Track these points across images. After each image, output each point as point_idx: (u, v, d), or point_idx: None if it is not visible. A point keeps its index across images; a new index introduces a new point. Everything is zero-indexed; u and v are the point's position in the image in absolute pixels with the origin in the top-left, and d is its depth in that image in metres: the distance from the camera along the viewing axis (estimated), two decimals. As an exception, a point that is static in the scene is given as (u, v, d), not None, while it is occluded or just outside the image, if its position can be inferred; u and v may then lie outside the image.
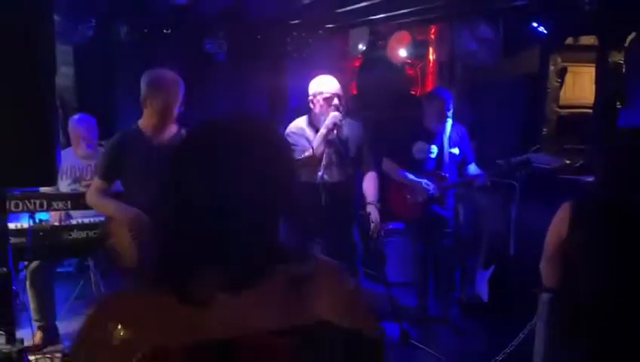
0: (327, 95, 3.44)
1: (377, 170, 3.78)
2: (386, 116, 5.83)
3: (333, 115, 3.40)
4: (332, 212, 3.52)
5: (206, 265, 0.93)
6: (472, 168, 4.15)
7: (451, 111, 4.03)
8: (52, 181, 2.26)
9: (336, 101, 3.44)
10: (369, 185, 3.63)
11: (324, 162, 3.46)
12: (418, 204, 4.12)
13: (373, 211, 3.54)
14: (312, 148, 3.44)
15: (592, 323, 2.13)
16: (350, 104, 5.92)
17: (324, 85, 3.49)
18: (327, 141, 3.44)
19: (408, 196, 4.13)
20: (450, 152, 4.10)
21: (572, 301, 2.21)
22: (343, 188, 3.55)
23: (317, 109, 3.50)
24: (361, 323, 1.01)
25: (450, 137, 4.09)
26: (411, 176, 4.08)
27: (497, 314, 4.17)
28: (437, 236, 4.32)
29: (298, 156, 3.44)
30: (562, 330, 2.27)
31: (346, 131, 3.52)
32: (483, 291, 4.34)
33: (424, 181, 4.04)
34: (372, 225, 3.50)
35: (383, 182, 4.26)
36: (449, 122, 4.04)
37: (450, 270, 4.46)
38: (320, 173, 3.46)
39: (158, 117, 2.89)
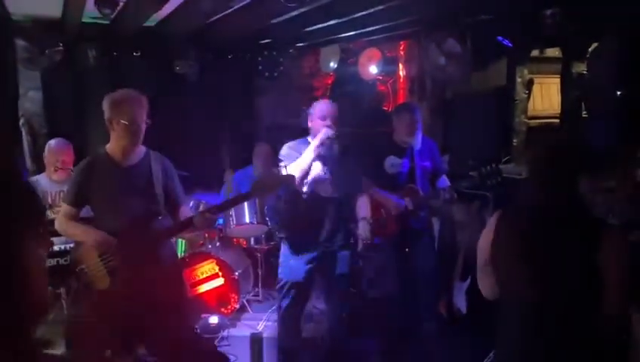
0: (324, 121, 3.54)
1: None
2: (359, 132, 5.87)
3: (326, 130, 3.49)
4: (322, 227, 3.58)
5: None
6: (441, 180, 4.21)
7: (420, 122, 4.09)
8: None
9: (328, 121, 3.53)
10: (361, 202, 3.73)
11: (315, 176, 3.54)
12: (393, 219, 4.13)
13: (362, 226, 3.61)
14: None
15: (524, 328, 2.11)
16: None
17: (322, 110, 3.59)
18: (318, 155, 3.52)
19: (382, 211, 4.15)
20: (422, 166, 4.16)
21: (504, 308, 2.20)
22: (336, 205, 3.61)
23: (314, 130, 3.60)
24: None
25: (420, 150, 4.15)
26: (384, 194, 4.12)
27: (476, 325, 4.18)
28: (414, 250, 4.34)
29: (289, 163, 3.50)
30: (502, 339, 2.25)
31: (340, 150, 3.60)
32: (461, 303, 4.35)
33: (394, 197, 4.09)
34: (360, 242, 3.56)
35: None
36: (419, 133, 4.10)
37: (428, 283, 4.47)
38: (311, 187, 3.52)
39: (126, 136, 2.85)
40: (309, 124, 3.66)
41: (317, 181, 3.54)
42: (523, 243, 2.11)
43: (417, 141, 4.09)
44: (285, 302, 3.74)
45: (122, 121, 2.82)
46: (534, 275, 2.07)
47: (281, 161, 3.56)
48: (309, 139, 3.67)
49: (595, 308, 1.98)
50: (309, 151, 3.51)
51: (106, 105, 2.85)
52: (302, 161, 3.50)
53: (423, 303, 4.46)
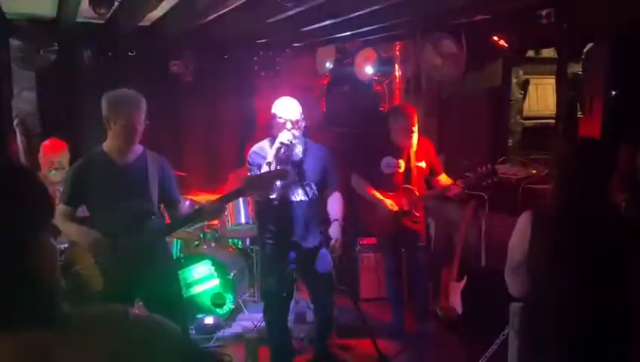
0: (282, 120, 3.42)
1: (343, 190, 3.73)
2: (355, 132, 5.88)
3: (282, 135, 3.37)
4: (298, 231, 3.53)
5: None
6: (443, 178, 4.21)
7: (416, 125, 4.08)
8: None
9: (289, 125, 3.40)
10: (333, 204, 3.63)
11: (285, 181, 3.41)
12: (389, 219, 4.14)
13: (333, 228, 3.52)
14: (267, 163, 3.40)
15: (561, 333, 2.15)
16: (319, 121, 5.95)
17: (281, 109, 3.46)
18: (279, 159, 3.39)
19: (380, 211, 4.16)
20: (418, 166, 4.15)
21: (540, 311, 2.23)
22: (309, 208, 3.51)
23: (274, 130, 3.47)
24: None
25: (416, 151, 4.15)
26: (377, 195, 4.12)
27: (472, 325, 4.19)
28: (409, 250, 4.35)
29: (256, 172, 3.41)
30: (533, 341, 2.29)
31: (304, 153, 3.47)
32: (457, 303, 4.36)
33: (389, 202, 4.09)
34: (331, 241, 3.48)
35: (355, 197, 4.28)
36: (415, 136, 4.10)
37: (423, 283, 4.47)
38: (281, 192, 3.46)
39: (123, 136, 2.85)
40: (273, 123, 3.51)
41: (285, 185, 3.44)
42: (561, 244, 2.14)
43: (413, 143, 4.11)
44: (269, 305, 3.70)
45: (119, 122, 2.81)
46: (573, 275, 2.10)
47: (250, 167, 3.50)
48: (271, 138, 3.54)
49: (625, 305, 2.04)
50: (270, 158, 3.39)
51: (104, 104, 2.84)
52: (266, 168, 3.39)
53: (418, 303, 4.46)
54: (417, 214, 4.21)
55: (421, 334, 4.37)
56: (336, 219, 3.56)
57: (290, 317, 4.03)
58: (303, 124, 3.49)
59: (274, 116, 3.48)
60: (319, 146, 3.66)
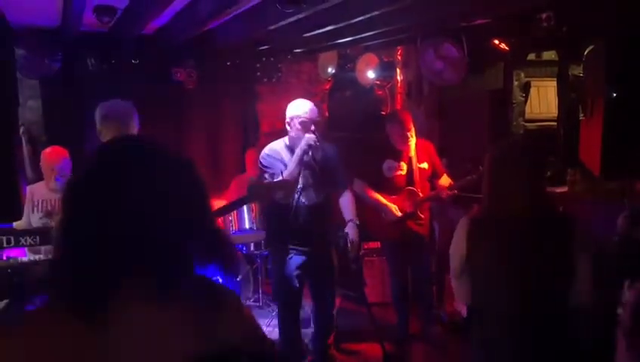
0: (304, 119, 3.45)
1: (352, 190, 3.82)
2: (357, 136, 5.89)
3: (308, 137, 3.41)
4: (310, 234, 3.56)
5: (120, 276, 0.92)
6: (444, 180, 4.21)
7: (412, 129, 4.07)
8: (17, 216, 2.23)
9: (312, 127, 3.45)
10: (346, 204, 3.65)
11: (300, 185, 3.48)
12: (393, 223, 4.15)
13: (351, 230, 3.52)
14: (282, 174, 3.45)
15: (506, 336, 2.13)
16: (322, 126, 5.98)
17: (301, 109, 3.50)
18: (304, 163, 3.45)
19: (384, 215, 4.16)
20: (420, 167, 4.16)
21: (484, 315, 2.20)
22: (320, 209, 3.56)
23: (293, 132, 3.51)
24: (261, 345, 1.09)
25: (417, 153, 4.16)
26: (381, 199, 4.13)
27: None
28: (414, 253, 4.34)
29: (271, 179, 3.46)
30: (481, 344, 2.26)
31: (321, 154, 3.54)
32: (461, 306, 4.35)
33: (394, 207, 4.09)
34: (350, 244, 3.48)
35: (358, 202, 4.29)
36: (412, 140, 4.10)
37: (428, 286, 4.47)
38: (297, 196, 3.48)
39: None
40: (288, 127, 3.56)
41: (301, 189, 3.49)
42: (500, 250, 2.11)
43: (410, 146, 4.10)
44: (280, 310, 3.75)
45: (108, 133, 2.84)
46: (514, 279, 2.08)
47: (265, 170, 3.52)
48: (286, 140, 3.60)
49: (569, 301, 2.03)
50: (294, 162, 3.43)
51: (97, 116, 2.88)
52: (289, 173, 3.43)
53: (423, 307, 4.46)
54: (422, 216, 4.21)
55: (426, 338, 4.37)
56: (351, 220, 3.58)
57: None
58: (321, 125, 3.57)
59: (293, 118, 3.50)
60: (328, 145, 3.69)
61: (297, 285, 3.63)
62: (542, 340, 2.06)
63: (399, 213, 4.10)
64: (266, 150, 3.62)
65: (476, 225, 2.19)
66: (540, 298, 2.06)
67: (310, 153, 3.44)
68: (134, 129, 2.89)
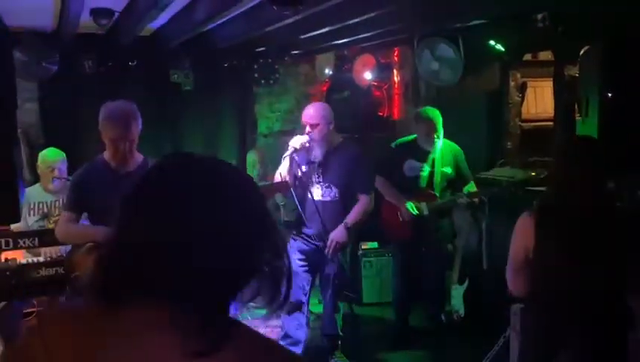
0: (303, 122, 3.69)
1: (369, 193, 3.76)
2: (355, 137, 5.91)
3: (294, 139, 3.59)
4: (314, 228, 3.64)
5: (152, 292, 0.85)
6: (470, 187, 4.16)
7: (439, 131, 4.04)
8: (15, 219, 2.24)
9: (307, 128, 3.61)
10: (353, 207, 3.69)
11: (309, 180, 3.63)
12: (409, 223, 4.14)
13: (336, 231, 3.58)
14: (281, 175, 3.57)
15: (570, 330, 2.18)
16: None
17: (304, 112, 3.73)
18: (309, 162, 3.64)
19: (399, 214, 4.15)
20: (442, 171, 4.11)
21: (549, 309, 2.25)
22: (326, 207, 3.61)
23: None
24: None
25: (442, 156, 4.11)
26: (399, 197, 4.11)
27: (474, 327, 4.21)
28: (428, 253, 4.29)
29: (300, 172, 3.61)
30: (541, 339, 2.30)
31: (326, 156, 3.64)
32: (459, 306, 4.37)
33: (410, 205, 4.06)
34: (329, 243, 3.53)
35: (377, 200, 4.27)
36: (439, 141, 4.07)
37: (441, 287, 4.46)
38: (294, 193, 3.56)
39: (113, 148, 2.89)
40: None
41: (304, 185, 3.60)
42: (569, 245, 2.18)
43: (436, 147, 4.07)
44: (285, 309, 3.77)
45: (110, 134, 2.86)
46: (582, 272, 2.15)
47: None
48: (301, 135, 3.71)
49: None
50: (283, 163, 3.58)
51: (100, 117, 2.89)
52: (280, 172, 3.58)
53: (434, 306, 4.47)
54: (438, 219, 4.18)
55: (425, 335, 4.39)
56: (345, 222, 3.60)
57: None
58: (324, 128, 3.60)
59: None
60: (354, 148, 3.79)
61: (302, 281, 3.68)
62: (593, 333, 2.15)
63: (415, 212, 4.08)
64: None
65: (543, 220, 2.24)
66: (596, 290, 2.14)
67: (307, 153, 3.58)
68: (137, 130, 2.90)
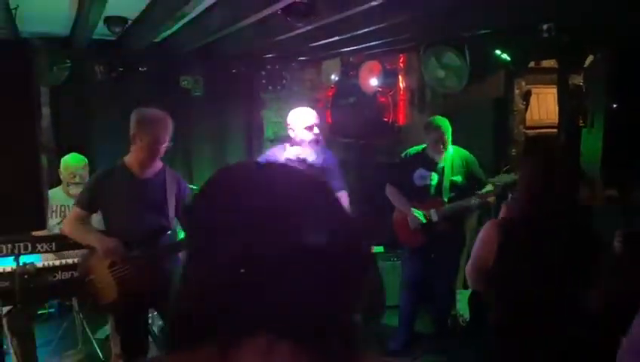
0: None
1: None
2: (360, 143, 5.98)
3: (289, 151, 3.62)
4: None
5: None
6: (486, 188, 4.11)
7: (447, 140, 4.05)
8: (41, 225, 2.31)
9: (310, 134, 3.61)
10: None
11: None
12: (415, 231, 4.16)
13: None
14: None
15: (522, 324, 2.24)
16: (325, 132, 6.06)
17: (304, 118, 3.66)
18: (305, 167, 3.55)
19: (410, 222, 4.17)
20: (452, 180, 4.10)
21: (504, 305, 2.32)
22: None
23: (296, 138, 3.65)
24: None
25: (452, 165, 4.11)
26: (407, 206, 4.14)
27: (479, 331, 4.25)
28: (438, 260, 4.27)
29: None
30: (496, 330, 2.38)
31: (314, 158, 3.64)
32: (464, 310, 4.43)
33: (419, 214, 4.09)
34: None
35: (388, 208, 4.31)
36: (449, 150, 4.08)
37: (450, 294, 4.50)
38: None
39: (146, 152, 2.95)
40: (292, 134, 3.66)
41: None
42: (532, 253, 2.20)
43: (446, 156, 4.07)
44: None
45: (145, 138, 2.92)
46: (543, 282, 2.18)
47: None
48: (287, 146, 3.70)
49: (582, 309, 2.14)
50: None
51: (133, 120, 2.95)
52: None
53: (442, 312, 4.51)
54: (446, 228, 4.15)
55: (429, 339, 4.43)
56: None
57: None
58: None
59: (297, 126, 3.65)
60: (328, 151, 3.80)
61: None
62: (554, 333, 2.17)
63: (423, 220, 4.12)
64: (267, 152, 3.79)
65: (508, 229, 2.27)
66: (559, 296, 2.16)
67: (300, 164, 3.57)
68: (166, 139, 2.97)
